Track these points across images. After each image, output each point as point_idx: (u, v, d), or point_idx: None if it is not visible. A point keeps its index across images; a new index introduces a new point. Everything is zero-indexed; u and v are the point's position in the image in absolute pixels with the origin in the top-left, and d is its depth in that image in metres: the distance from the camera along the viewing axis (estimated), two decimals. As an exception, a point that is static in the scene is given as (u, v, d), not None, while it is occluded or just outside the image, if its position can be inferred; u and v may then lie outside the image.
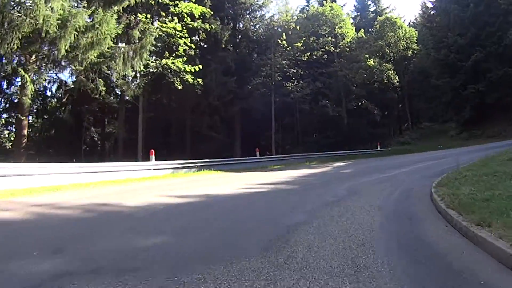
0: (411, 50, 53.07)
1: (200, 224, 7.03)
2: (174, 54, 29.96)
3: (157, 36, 28.88)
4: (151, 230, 6.60)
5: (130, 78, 31.39)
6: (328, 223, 6.73)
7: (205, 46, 39.05)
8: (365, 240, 5.52)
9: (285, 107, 43.03)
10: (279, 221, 7.06)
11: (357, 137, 45.94)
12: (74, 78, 30.55)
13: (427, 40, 49.59)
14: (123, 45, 26.48)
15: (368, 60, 46.31)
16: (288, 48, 40.86)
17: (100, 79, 26.05)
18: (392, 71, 47.79)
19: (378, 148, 39.72)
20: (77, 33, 19.55)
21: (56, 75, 32.18)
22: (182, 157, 27.58)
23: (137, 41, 26.37)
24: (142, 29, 27.29)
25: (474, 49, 39.60)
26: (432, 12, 52.00)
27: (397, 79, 48.52)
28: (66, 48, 19.18)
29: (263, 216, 7.93)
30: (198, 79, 30.64)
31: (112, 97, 39.11)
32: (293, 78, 41.93)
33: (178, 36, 29.86)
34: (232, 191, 12.24)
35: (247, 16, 43.83)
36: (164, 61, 29.29)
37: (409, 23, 63.57)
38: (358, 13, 66.97)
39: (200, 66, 30.20)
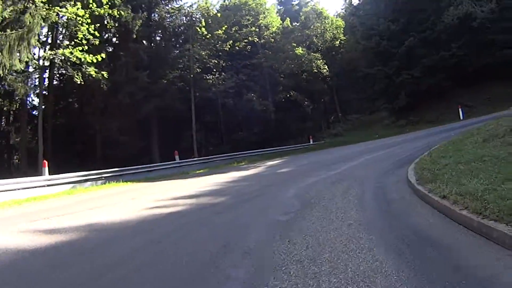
0: (339, 40, 52.46)
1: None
2: (73, 42, 25.50)
3: (53, 21, 24.69)
4: None
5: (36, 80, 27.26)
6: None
7: (117, 41, 36.04)
8: None
9: (207, 103, 39.75)
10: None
11: (287, 131, 43.62)
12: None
13: (354, 30, 48.18)
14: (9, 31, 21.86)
15: (296, 48, 43.94)
16: (208, 36, 37.38)
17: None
18: (320, 60, 46.09)
19: (311, 142, 37.20)
20: None
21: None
22: (94, 167, 23.39)
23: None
24: (34, 13, 22.50)
25: (407, 35, 38.63)
26: (359, 1, 50.58)
27: (327, 68, 46.99)
28: None
29: (174, 276, 4.23)
30: (103, 72, 26.27)
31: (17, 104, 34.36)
32: (214, 70, 38.92)
33: (80, 22, 25.23)
34: (133, 216, 8.43)
35: (163, 6, 39.87)
36: (60, 51, 24.78)
37: (334, 14, 62.96)
38: (282, 7, 65.48)
39: (103, 55, 25.60)
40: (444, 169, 8.34)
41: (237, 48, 42.19)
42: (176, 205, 9.49)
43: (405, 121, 39.38)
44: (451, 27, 36.60)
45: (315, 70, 45.38)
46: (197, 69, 37.15)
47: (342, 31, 52.37)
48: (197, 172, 22.94)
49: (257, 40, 44.80)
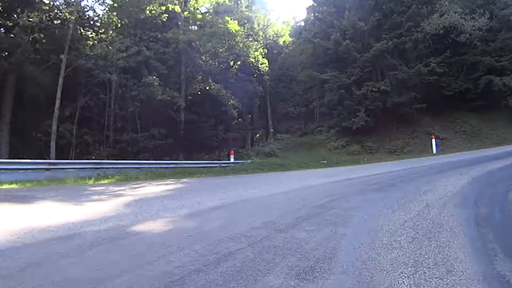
0: (283, 38, 46.03)
1: None
2: None
3: None
4: None
5: None
6: None
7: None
8: None
9: (85, 78, 27.97)
10: None
11: (200, 140, 33.71)
12: None
13: (306, 29, 41.45)
14: None
15: (230, 23, 32.79)
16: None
17: None
18: (260, 51, 37.98)
19: (232, 160, 26.99)
20: None
21: None
22: None
23: None
24: None
25: (376, 39, 31.89)
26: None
27: (267, 63, 38.70)
28: None
29: None
30: None
31: None
32: (101, 30, 27.14)
33: None
34: None
35: None
36: None
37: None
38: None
39: None
40: None
41: (148, 13, 30.84)
42: None
43: (359, 147, 31.93)
44: (431, 37, 31.60)
45: (251, 59, 35.85)
46: (68, 15, 24.60)
47: (289, 32, 47.01)
48: (5, 186, 11.77)
49: (180, 10, 33.03)
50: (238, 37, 33.38)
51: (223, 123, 37.26)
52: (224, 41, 32.91)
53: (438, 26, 30.21)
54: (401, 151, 30.17)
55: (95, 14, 26.33)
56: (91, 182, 13.83)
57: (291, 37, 46.49)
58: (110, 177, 15.40)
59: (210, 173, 19.44)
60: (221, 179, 16.47)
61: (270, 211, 7.18)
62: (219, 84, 32.98)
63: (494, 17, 30.58)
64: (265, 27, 41.75)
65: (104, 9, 26.72)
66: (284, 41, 45.72)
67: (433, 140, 28.73)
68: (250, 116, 46.80)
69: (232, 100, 33.04)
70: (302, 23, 49.01)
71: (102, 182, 13.92)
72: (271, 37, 43.24)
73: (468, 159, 19.71)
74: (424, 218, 6.60)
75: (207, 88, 32.82)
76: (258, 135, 48.64)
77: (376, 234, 5.45)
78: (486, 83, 30.55)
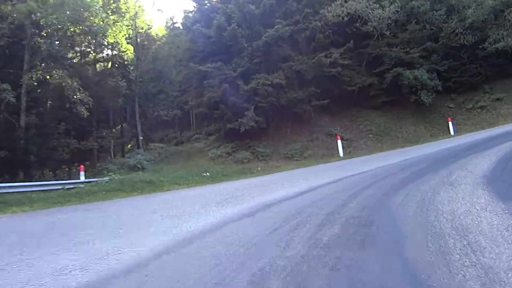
0: (156, 30, 41.80)
1: None
2: None
3: None
4: None
5: None
6: None
7: None
8: None
9: None
10: None
11: (46, 152, 26.17)
12: None
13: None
14: None
15: None
16: None
17: None
18: (126, 32, 31.20)
19: (82, 178, 19.72)
20: None
21: None
22: None
23: None
24: None
25: (269, 26, 28.43)
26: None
27: (132, 50, 31.74)
28: None
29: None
30: None
31: None
32: None
33: None
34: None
35: None
36: None
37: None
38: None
39: None
40: None
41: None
42: None
43: (249, 154, 27.67)
44: (331, 27, 30.38)
45: (110, 40, 28.73)
46: None
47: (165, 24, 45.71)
48: None
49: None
50: (90, 11, 25.15)
51: (76, 128, 29.66)
52: (75, 14, 24.67)
53: (342, 13, 28.68)
54: (301, 156, 26.67)
55: None
56: None
57: (167, 30, 42.80)
58: None
59: (42, 202, 13.27)
60: (48, 216, 10.67)
61: None
62: (61, 71, 24.66)
63: (400, 9, 29.61)
64: (135, 14, 35.10)
65: None
66: (157, 34, 40.47)
67: (339, 142, 26.07)
68: (120, 125, 40.57)
69: (79, 93, 24.39)
70: (182, 14, 45.98)
71: None
72: (143, 28, 37.12)
73: (407, 161, 15.23)
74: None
75: (48, 77, 24.64)
76: (130, 145, 42.45)
77: None
78: (394, 76, 28.82)
